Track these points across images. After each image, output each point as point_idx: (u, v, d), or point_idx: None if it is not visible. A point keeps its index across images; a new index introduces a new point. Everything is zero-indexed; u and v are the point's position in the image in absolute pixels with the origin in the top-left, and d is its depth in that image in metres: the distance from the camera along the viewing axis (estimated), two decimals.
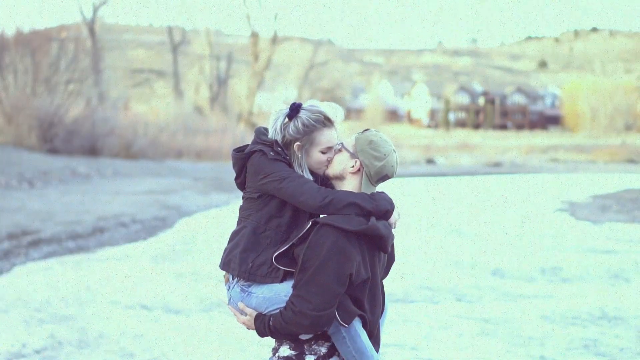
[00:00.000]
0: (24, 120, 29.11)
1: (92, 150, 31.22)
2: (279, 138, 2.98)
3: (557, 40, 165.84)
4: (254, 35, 61.98)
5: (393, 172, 3.02)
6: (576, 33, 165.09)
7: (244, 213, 3.03)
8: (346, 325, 2.87)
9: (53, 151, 29.48)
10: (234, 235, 3.03)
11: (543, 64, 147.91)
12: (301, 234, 2.89)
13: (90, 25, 47.41)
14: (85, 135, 31.31)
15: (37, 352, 6.67)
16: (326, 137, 2.99)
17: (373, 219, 2.88)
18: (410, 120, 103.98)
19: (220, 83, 60.78)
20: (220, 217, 18.04)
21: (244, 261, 2.94)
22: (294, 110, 2.98)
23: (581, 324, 7.84)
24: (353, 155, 3.00)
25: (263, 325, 2.91)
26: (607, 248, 13.42)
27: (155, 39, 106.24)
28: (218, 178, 29.79)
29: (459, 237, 15.10)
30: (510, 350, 6.88)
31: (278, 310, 2.90)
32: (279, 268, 2.91)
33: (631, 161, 60.60)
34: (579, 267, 11.35)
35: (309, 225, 2.88)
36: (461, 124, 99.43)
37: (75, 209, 16.69)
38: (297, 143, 2.97)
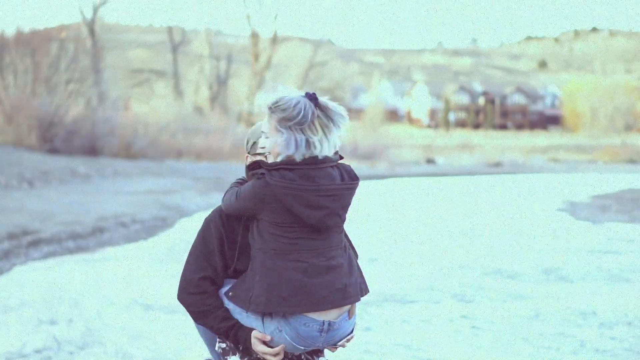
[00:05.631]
0: (24, 120, 29.08)
1: (92, 150, 31.17)
2: (305, 125, 2.62)
3: (557, 40, 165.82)
4: (254, 35, 62.05)
5: None
6: (576, 33, 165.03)
7: (342, 243, 2.82)
8: None
9: (53, 151, 29.44)
10: (349, 264, 2.82)
11: (543, 64, 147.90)
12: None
13: (90, 25, 47.39)
14: (85, 135, 31.26)
15: (37, 352, 6.67)
16: None
17: None
18: (410, 120, 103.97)
19: (220, 83, 60.78)
20: None
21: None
22: (315, 99, 2.67)
23: (581, 324, 7.85)
24: None
25: None
26: (607, 248, 13.42)
27: (155, 39, 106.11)
28: (218, 178, 29.77)
29: (458, 236, 15.10)
30: (509, 350, 6.89)
31: None
32: None
33: (631, 161, 60.63)
34: (579, 267, 11.35)
35: None
36: (461, 124, 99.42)
37: (75, 209, 16.68)
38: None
